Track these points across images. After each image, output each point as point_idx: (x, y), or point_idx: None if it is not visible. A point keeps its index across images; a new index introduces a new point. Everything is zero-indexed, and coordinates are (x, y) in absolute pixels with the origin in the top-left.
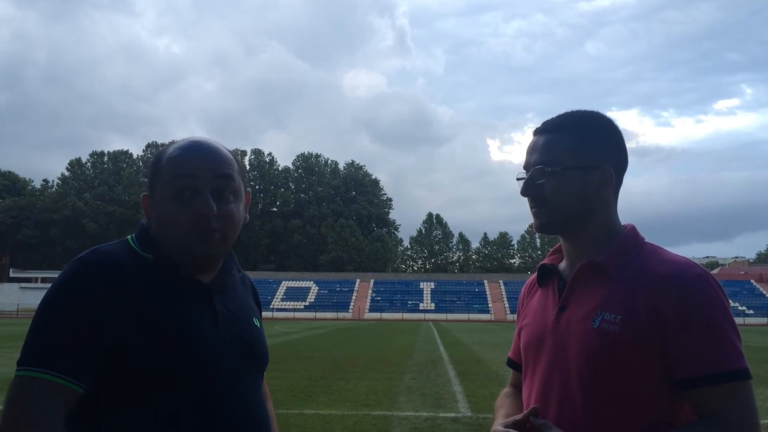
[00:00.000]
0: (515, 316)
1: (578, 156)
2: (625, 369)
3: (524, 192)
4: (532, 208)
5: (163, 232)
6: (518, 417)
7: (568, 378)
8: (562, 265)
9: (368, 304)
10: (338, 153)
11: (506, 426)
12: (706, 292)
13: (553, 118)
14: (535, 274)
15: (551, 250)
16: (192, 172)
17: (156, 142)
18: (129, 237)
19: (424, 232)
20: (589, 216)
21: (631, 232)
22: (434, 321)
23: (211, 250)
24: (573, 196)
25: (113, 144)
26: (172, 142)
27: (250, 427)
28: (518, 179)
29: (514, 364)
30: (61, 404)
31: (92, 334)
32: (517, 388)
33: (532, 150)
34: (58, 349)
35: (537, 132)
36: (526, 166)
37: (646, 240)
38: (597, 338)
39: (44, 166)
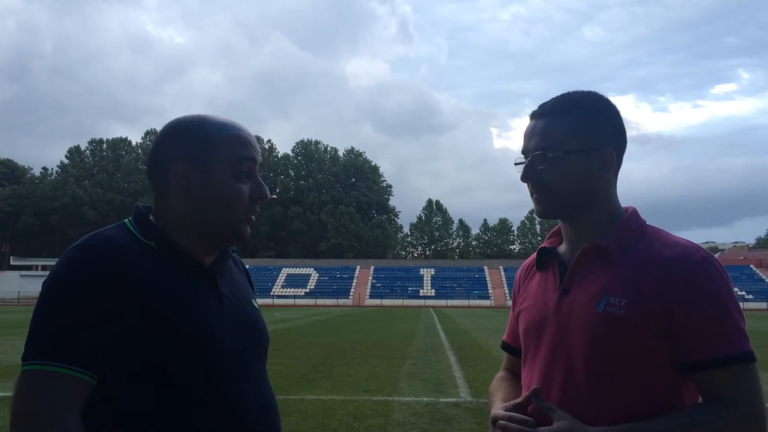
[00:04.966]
0: None
1: (578, 139)
2: (630, 352)
3: (525, 178)
4: (532, 194)
5: (211, 207)
6: (519, 400)
7: (572, 362)
8: (562, 248)
9: (368, 290)
10: (342, 142)
11: (507, 409)
12: (712, 275)
13: (549, 101)
14: (532, 257)
15: (550, 232)
16: (254, 155)
17: (155, 130)
18: (127, 221)
19: (423, 218)
20: (590, 199)
21: (633, 215)
22: (434, 307)
23: (248, 233)
24: (575, 180)
25: (117, 134)
26: (202, 116)
27: (261, 409)
28: (516, 164)
29: (509, 347)
30: (76, 398)
31: (101, 322)
32: (511, 372)
33: (530, 134)
34: (68, 340)
35: (534, 116)
36: (525, 152)
37: (648, 223)
38: (602, 322)
39: (51, 156)
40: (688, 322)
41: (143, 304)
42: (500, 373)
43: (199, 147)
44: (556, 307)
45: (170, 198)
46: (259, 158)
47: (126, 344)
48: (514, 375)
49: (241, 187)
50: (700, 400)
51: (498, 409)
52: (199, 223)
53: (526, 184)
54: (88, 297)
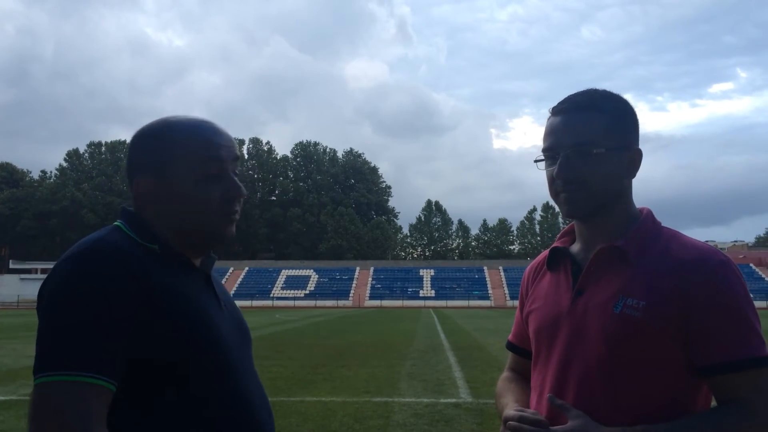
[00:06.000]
0: (515, 302)
1: (616, 136)
2: (647, 354)
3: (560, 173)
4: (562, 192)
5: (182, 215)
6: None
7: (587, 363)
8: (575, 247)
9: (368, 291)
10: (341, 143)
11: (519, 411)
12: (730, 278)
13: (576, 96)
14: (540, 257)
15: (561, 232)
16: (220, 155)
17: None
18: (119, 224)
19: (423, 219)
20: (616, 199)
21: (649, 217)
22: (434, 308)
23: (232, 233)
24: (611, 178)
25: (116, 137)
26: (167, 119)
27: (263, 408)
28: (537, 161)
29: (515, 347)
30: (103, 408)
31: (121, 328)
32: (517, 372)
33: (563, 129)
34: (93, 349)
35: (561, 111)
36: (554, 147)
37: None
38: (619, 323)
39: (50, 159)
40: (705, 325)
41: (158, 308)
42: (505, 374)
43: (160, 156)
44: (570, 308)
45: (145, 207)
46: (232, 155)
47: (143, 349)
48: (520, 375)
49: (209, 190)
50: (714, 403)
51: (511, 409)
52: (174, 230)
53: (549, 183)
54: (106, 303)
